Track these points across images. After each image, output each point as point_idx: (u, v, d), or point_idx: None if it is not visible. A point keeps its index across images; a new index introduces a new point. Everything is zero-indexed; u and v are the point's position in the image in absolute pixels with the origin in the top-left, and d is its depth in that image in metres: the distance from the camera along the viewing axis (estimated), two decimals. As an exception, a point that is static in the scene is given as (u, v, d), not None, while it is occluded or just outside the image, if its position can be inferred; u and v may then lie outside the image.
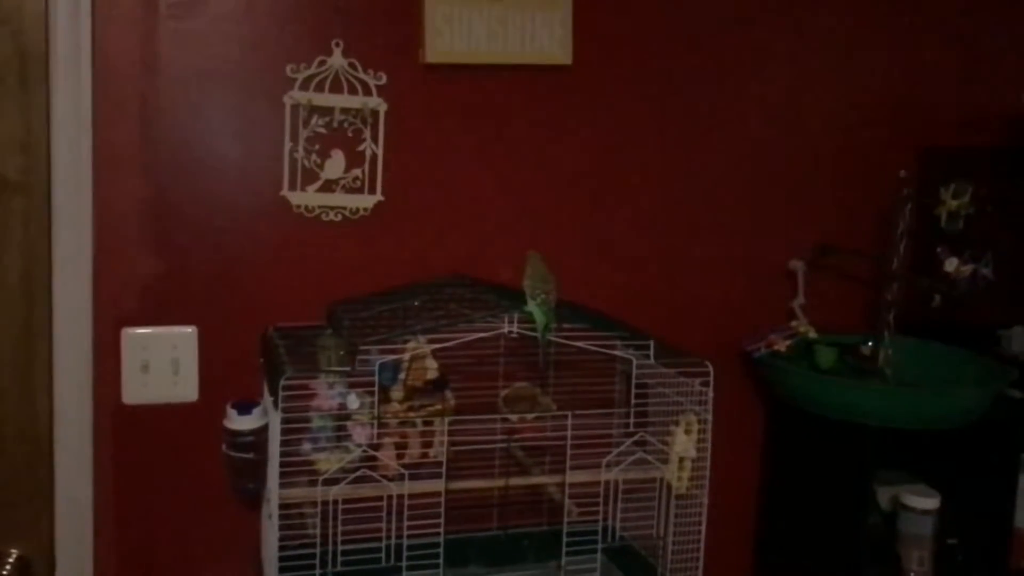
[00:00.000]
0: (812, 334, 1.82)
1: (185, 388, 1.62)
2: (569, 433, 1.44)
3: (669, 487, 1.50)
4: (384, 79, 1.65)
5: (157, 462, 1.63)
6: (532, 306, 1.39)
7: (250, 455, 1.43)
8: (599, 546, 1.54)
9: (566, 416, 1.45)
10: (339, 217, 1.66)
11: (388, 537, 1.44)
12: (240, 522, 1.64)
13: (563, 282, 1.44)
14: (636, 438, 1.48)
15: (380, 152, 1.66)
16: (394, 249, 1.70)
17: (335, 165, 1.65)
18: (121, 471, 1.61)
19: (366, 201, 1.67)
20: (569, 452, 1.45)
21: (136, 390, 1.60)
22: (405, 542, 1.42)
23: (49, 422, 1.55)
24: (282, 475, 1.36)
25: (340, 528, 1.40)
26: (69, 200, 1.52)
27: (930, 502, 1.74)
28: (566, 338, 1.41)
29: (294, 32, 1.61)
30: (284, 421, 1.34)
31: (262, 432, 1.43)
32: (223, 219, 1.62)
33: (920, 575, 1.75)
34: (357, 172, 1.66)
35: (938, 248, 1.77)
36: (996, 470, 1.79)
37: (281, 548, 1.36)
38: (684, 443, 1.47)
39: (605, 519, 1.53)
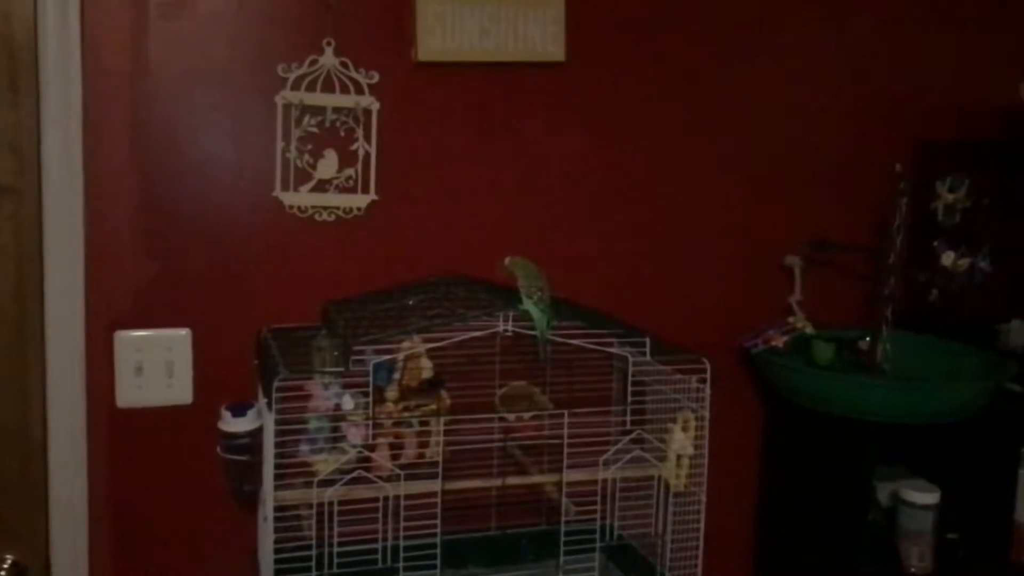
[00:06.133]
0: (809, 329, 1.81)
1: (179, 390, 1.61)
2: (566, 432, 1.44)
3: (667, 485, 1.50)
4: (376, 78, 1.64)
5: (152, 465, 1.62)
6: (529, 305, 1.38)
7: (245, 457, 1.43)
8: (597, 545, 1.53)
9: (563, 415, 1.44)
10: (332, 217, 1.65)
11: (385, 538, 1.43)
12: (236, 524, 1.64)
13: (559, 280, 1.44)
14: (633, 436, 1.48)
15: (373, 151, 1.65)
16: (388, 248, 1.69)
17: (328, 165, 1.64)
18: (116, 475, 1.60)
19: (359, 201, 1.66)
20: (566, 451, 1.44)
21: (130, 393, 1.59)
22: (402, 543, 1.41)
23: (43, 426, 1.54)
24: (277, 477, 1.35)
25: (336, 529, 1.39)
26: (60, 202, 1.51)
27: (930, 497, 1.74)
28: (562, 336, 1.40)
29: (285, 31, 1.60)
30: (278, 423, 1.33)
31: (257, 434, 1.42)
32: (216, 220, 1.61)
33: (920, 570, 1.74)
34: (350, 172, 1.65)
35: (935, 242, 1.76)
36: (996, 464, 1.79)
37: (277, 550, 1.36)
38: (682, 440, 1.46)
39: (603, 518, 1.52)
